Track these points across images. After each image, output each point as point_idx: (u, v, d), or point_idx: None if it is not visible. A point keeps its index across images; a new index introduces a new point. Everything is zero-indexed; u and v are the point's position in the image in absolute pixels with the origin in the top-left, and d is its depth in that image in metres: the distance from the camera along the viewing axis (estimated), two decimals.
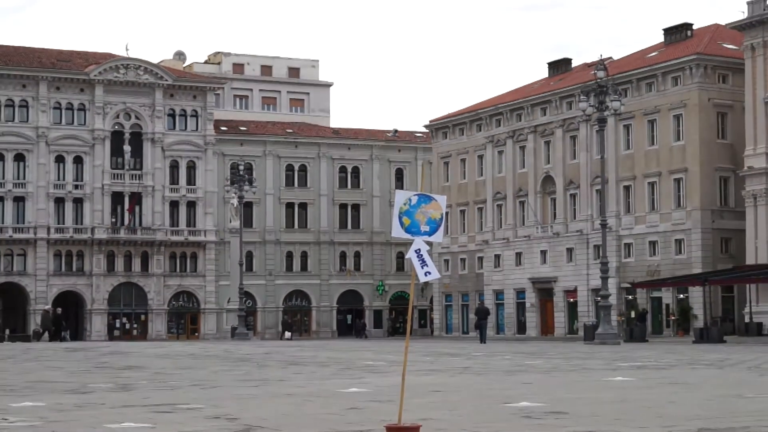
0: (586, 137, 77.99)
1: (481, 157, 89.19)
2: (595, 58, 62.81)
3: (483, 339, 58.39)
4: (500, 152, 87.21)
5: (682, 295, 71.96)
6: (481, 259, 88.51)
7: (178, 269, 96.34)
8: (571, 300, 79.86)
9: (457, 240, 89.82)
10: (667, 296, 73.66)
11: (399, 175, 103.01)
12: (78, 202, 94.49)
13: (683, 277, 67.76)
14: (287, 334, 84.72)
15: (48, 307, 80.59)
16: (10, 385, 19.06)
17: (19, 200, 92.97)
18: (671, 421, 11.11)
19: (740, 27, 70.17)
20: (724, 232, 71.91)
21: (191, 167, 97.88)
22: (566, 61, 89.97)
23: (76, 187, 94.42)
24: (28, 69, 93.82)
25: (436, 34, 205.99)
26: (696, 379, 19.52)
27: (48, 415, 12.57)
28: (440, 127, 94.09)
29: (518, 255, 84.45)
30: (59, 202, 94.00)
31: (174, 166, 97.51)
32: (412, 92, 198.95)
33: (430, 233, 8.71)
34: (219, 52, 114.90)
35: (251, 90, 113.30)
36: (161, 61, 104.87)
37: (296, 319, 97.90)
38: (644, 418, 11.45)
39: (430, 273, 8.63)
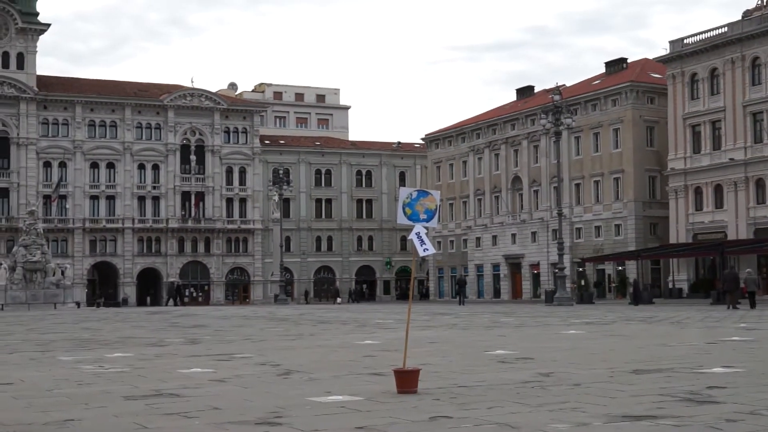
0: (545, 146, 77.94)
1: (465, 162, 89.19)
2: (552, 86, 62.72)
3: (462, 302, 58.73)
4: (479, 158, 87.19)
5: (620, 267, 72.04)
6: (465, 240, 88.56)
7: (233, 250, 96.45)
8: (535, 272, 79.95)
9: (447, 226, 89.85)
10: (609, 268, 73.79)
11: (402, 176, 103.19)
12: (156, 199, 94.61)
13: (621, 253, 67.90)
14: (338, 299, 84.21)
15: (174, 280, 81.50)
16: (105, 340, 19.11)
17: (111, 198, 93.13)
18: (612, 364, 11.09)
19: (664, 60, 70.16)
20: (652, 219, 71.93)
21: (242, 172, 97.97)
22: (530, 88, 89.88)
23: (154, 187, 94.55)
24: (117, 97, 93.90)
25: (429, 68, 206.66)
26: (631, 332, 19.51)
27: (134, 363, 12.60)
28: (433, 140, 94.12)
29: (494, 237, 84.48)
30: (141, 199, 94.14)
31: (229, 171, 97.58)
32: (411, 113, 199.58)
33: (427, 220, 8.71)
34: (263, 83, 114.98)
35: (288, 112, 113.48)
36: (218, 90, 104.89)
37: (324, 287, 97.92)
38: (591, 362, 11.44)
39: (427, 250, 8.63)
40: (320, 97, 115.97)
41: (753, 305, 38.73)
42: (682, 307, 42.05)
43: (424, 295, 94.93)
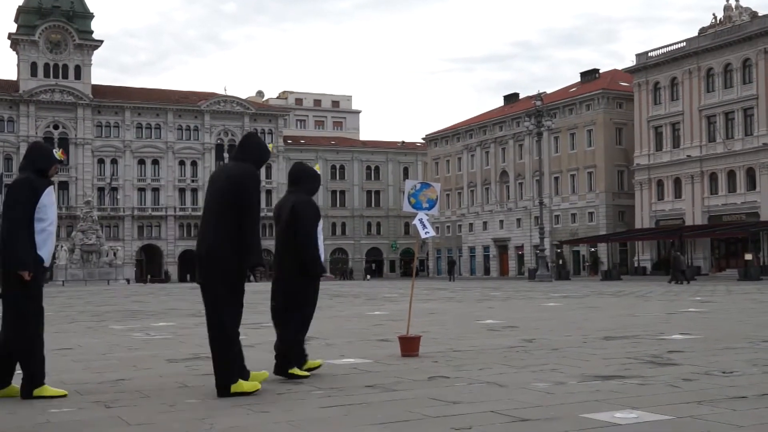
0: (529, 145, 77.72)
1: (459, 159, 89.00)
2: (535, 93, 62.52)
3: (452, 279, 59.28)
4: (472, 155, 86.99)
5: (593, 249, 71.93)
6: (460, 225, 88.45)
7: (261, 234, 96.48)
8: (520, 253, 79.83)
9: (444, 213, 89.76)
10: (583, 250, 73.65)
11: (406, 171, 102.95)
12: (194, 191, 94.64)
13: (594, 237, 67.80)
14: (368, 276, 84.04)
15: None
16: (152, 311, 19.15)
17: (155, 190, 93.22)
18: (586, 332, 11.09)
19: (631, 71, 69.90)
20: (620, 207, 71.77)
21: (268, 167, 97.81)
22: (515, 95, 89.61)
23: (193, 181, 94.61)
24: (161, 103, 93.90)
25: (430, 78, 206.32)
26: (602, 304, 19.49)
27: (177, 330, 12.63)
28: (433, 139, 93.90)
29: (484, 223, 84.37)
30: (182, 191, 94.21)
31: None
32: (414, 116, 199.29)
33: (429, 208, 8.68)
34: (286, 91, 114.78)
35: (307, 116, 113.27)
36: (247, 97, 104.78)
37: (338, 266, 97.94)
38: (568, 330, 11.43)
39: (428, 233, 8.61)
40: (335, 103, 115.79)
41: (687, 280, 40.05)
42: (646, 283, 42.01)
43: (424, 273, 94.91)
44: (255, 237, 5.89)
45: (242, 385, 5.82)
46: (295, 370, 6.67)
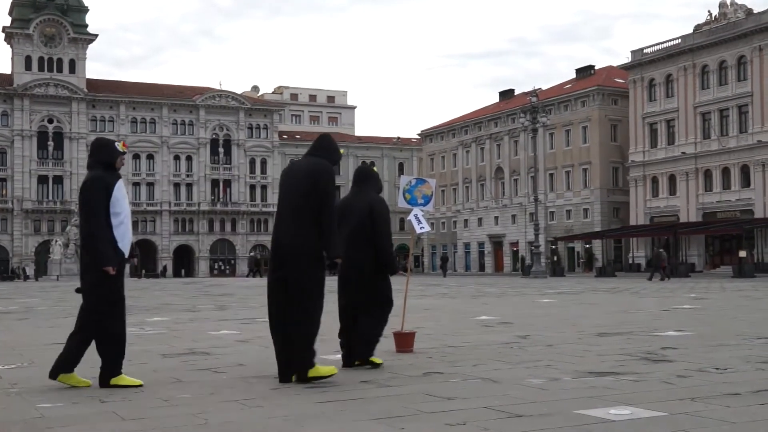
0: (524, 141, 77.79)
1: (455, 155, 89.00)
2: (530, 89, 62.53)
3: (444, 275, 59.62)
4: (467, 151, 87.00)
5: (587, 245, 72.00)
6: (455, 221, 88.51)
7: (255, 230, 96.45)
8: (515, 249, 79.90)
9: (440, 209, 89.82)
10: (578, 246, 73.73)
11: (401, 167, 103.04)
12: (189, 185, 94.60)
13: (588, 233, 67.86)
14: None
15: (255, 254, 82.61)
16: (146, 306, 19.13)
17: (150, 185, 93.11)
18: (581, 328, 11.11)
19: (626, 68, 69.96)
20: (615, 204, 71.87)
21: (263, 162, 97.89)
22: (511, 91, 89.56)
23: (188, 175, 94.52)
24: (155, 98, 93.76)
25: (426, 73, 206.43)
26: (597, 301, 19.53)
27: (171, 326, 12.62)
28: (428, 135, 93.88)
29: (479, 219, 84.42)
30: (177, 186, 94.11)
31: (252, 162, 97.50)
32: (409, 111, 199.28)
33: (424, 204, 8.67)
34: (281, 86, 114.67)
35: (303, 111, 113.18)
36: (243, 92, 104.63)
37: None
38: (563, 327, 11.45)
39: (423, 228, 8.59)
40: (330, 98, 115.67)
41: (667, 276, 40.59)
42: (640, 280, 42.08)
43: (419, 269, 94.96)
44: (335, 230, 6.16)
45: (319, 369, 6.11)
46: (375, 358, 7.05)
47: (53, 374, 6.02)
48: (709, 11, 65.22)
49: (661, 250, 43.62)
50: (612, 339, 9.44)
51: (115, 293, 6.02)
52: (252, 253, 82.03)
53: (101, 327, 5.97)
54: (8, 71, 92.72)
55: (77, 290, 6.06)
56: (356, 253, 6.98)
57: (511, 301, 20.11)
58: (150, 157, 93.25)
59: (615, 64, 74.76)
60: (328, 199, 6.10)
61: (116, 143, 6.29)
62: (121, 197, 6.03)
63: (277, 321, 6.23)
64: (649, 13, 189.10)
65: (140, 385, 6.01)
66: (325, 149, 6.47)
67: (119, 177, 6.16)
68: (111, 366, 6.01)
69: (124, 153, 6.27)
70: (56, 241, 66.88)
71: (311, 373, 6.07)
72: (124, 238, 6.02)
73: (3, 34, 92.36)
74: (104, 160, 6.11)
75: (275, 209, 6.59)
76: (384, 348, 8.55)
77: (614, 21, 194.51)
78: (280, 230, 6.20)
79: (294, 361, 6.12)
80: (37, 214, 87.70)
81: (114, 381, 5.98)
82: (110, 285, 5.97)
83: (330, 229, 6.08)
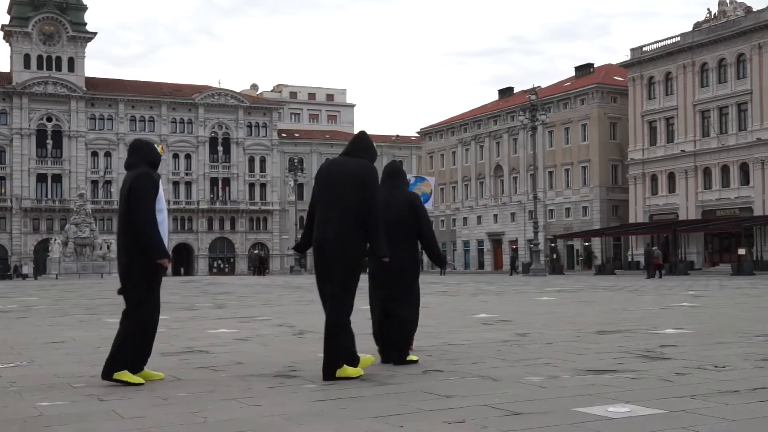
0: (523, 139, 77.77)
1: (454, 152, 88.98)
2: (529, 87, 62.52)
3: (442, 272, 59.46)
4: (467, 149, 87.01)
5: (587, 243, 72.04)
6: (454, 219, 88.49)
7: (254, 228, 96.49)
8: (514, 247, 79.81)
9: (439, 207, 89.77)
10: (577, 244, 73.77)
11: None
12: (188, 183, 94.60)
13: (588, 231, 67.88)
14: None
15: (257, 251, 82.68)
16: None
17: None
18: (579, 326, 11.11)
19: (625, 65, 69.94)
20: (614, 202, 71.89)
21: (262, 160, 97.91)
22: (510, 89, 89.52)
23: (187, 174, 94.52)
24: (154, 96, 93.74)
25: (425, 71, 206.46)
26: (595, 299, 19.52)
27: (170, 324, 12.62)
28: (427, 133, 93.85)
29: (479, 217, 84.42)
30: (176, 184, 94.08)
31: (251, 160, 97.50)
32: (408, 109, 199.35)
33: (424, 202, 8.68)
34: (280, 84, 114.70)
35: (302, 109, 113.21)
36: (242, 90, 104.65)
37: None
38: (562, 324, 11.45)
39: None
40: (330, 97, 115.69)
41: (660, 275, 40.78)
42: (639, 277, 42.09)
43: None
44: (382, 230, 6.27)
45: (347, 370, 6.20)
46: (411, 356, 7.15)
47: (134, 369, 6.09)
48: (708, 9, 65.27)
49: (654, 247, 43.65)
50: (611, 337, 9.44)
51: (154, 292, 6.17)
52: (256, 251, 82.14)
53: (145, 315, 6.09)
54: (7, 69, 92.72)
55: (119, 292, 6.17)
56: (393, 250, 6.95)
57: (511, 299, 20.09)
58: None
59: (614, 62, 74.77)
60: (375, 200, 6.24)
61: (156, 145, 6.57)
62: (162, 196, 6.29)
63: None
64: (649, 11, 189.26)
65: (141, 384, 6.02)
66: (366, 150, 6.60)
67: (160, 176, 6.43)
68: (121, 358, 6.02)
69: (161, 156, 6.55)
70: (55, 240, 66.85)
71: (339, 373, 6.18)
72: (165, 234, 6.24)
73: (2, 33, 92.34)
74: (151, 159, 6.35)
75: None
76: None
77: (613, 19, 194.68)
78: (323, 229, 6.26)
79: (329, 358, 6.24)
80: (35, 213, 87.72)
81: (117, 375, 5.99)
82: (151, 283, 6.12)
83: (378, 229, 6.21)
